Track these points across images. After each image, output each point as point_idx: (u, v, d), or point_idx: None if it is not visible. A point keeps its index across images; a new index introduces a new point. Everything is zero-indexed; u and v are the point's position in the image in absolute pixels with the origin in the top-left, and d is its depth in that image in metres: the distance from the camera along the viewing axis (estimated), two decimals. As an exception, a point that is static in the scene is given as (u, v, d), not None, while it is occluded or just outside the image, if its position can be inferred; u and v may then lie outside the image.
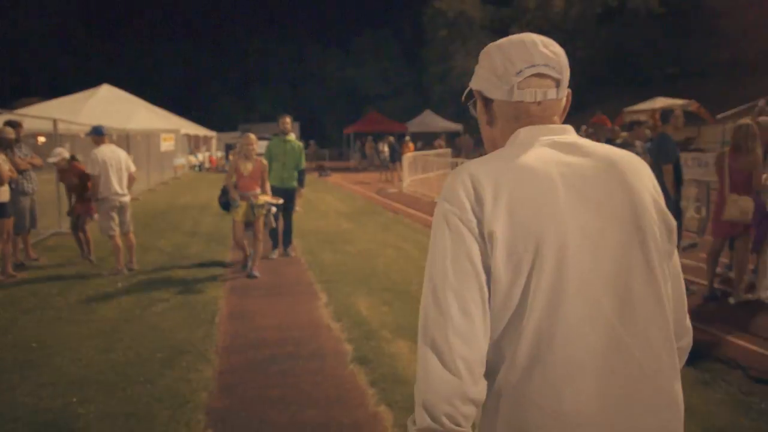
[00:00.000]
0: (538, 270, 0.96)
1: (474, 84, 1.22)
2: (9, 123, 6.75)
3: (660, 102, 21.96)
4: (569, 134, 1.12)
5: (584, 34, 35.04)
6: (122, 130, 15.09)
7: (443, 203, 1.03)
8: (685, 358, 1.16)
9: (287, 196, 7.41)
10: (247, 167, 6.52)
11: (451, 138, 31.85)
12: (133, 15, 57.51)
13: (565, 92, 1.15)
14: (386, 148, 21.93)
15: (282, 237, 7.72)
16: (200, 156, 29.49)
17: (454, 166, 16.66)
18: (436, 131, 32.38)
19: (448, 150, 26.27)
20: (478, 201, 0.98)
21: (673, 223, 1.09)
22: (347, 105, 47.87)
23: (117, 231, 6.74)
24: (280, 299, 5.72)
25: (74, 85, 29.20)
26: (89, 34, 53.63)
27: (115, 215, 6.75)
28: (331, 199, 15.45)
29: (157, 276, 6.66)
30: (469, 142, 29.45)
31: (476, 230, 0.97)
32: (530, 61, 1.10)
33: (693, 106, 21.40)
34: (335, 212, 12.51)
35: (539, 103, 1.11)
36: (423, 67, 45.94)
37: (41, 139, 16.46)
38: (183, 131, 27.42)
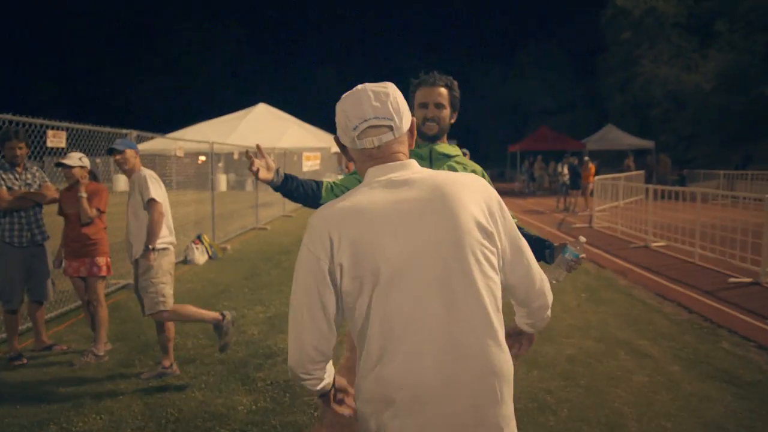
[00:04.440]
0: (376, 287, 1.28)
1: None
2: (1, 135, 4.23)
3: None
4: (407, 169, 1.39)
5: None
6: (247, 147, 13.04)
7: (306, 238, 1.36)
8: (542, 314, 1.57)
9: None
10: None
11: (637, 156, 26.26)
12: (292, 40, 59.59)
13: (404, 128, 1.42)
14: (566, 170, 17.66)
15: None
16: (350, 176, 27.61)
17: (649, 193, 12.08)
18: (621, 149, 27.00)
19: (641, 173, 21.14)
20: (330, 241, 1.30)
21: (491, 229, 1.35)
22: (509, 121, 43.63)
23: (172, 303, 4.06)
24: None
25: (240, 107, 29.12)
26: (255, 60, 56.10)
27: (171, 277, 4.12)
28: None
29: (215, 397, 3.63)
30: (666, 162, 23.75)
31: (326, 263, 1.31)
32: (362, 116, 1.36)
33: None
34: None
35: (378, 147, 1.39)
36: (598, 76, 40.18)
37: (201, 158, 15.18)
38: (333, 150, 25.72)
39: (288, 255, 9.19)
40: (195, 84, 52.29)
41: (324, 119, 40.30)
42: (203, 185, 11.45)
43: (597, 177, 15.17)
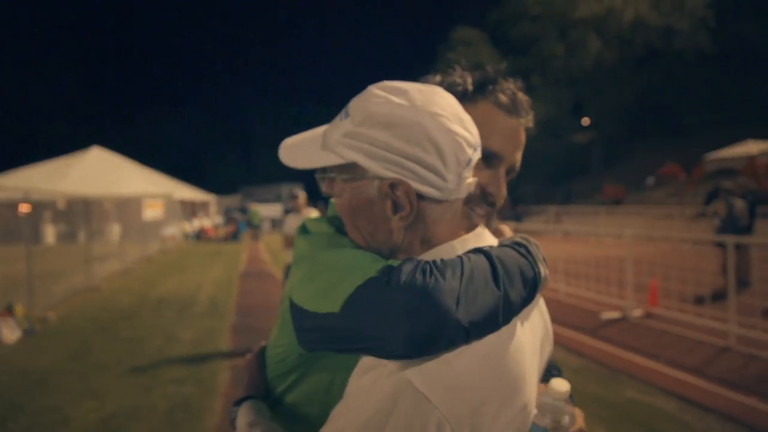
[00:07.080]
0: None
1: (380, 167, 0.78)
2: None
3: (755, 146, 18.23)
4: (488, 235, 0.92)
5: (619, 81, 31.85)
6: (80, 195, 11.11)
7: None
8: None
9: None
10: None
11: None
12: (134, 78, 55.86)
13: None
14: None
15: None
16: (195, 223, 25.60)
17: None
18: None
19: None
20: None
21: None
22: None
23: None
24: None
25: (72, 150, 25.66)
26: (89, 98, 51.23)
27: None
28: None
29: None
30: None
31: None
32: (474, 142, 0.81)
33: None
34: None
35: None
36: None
37: (25, 207, 12.65)
38: (177, 196, 23.68)
39: (129, 322, 7.67)
40: (15, 123, 46.01)
41: (167, 163, 37.25)
42: (18, 240, 9.39)
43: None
